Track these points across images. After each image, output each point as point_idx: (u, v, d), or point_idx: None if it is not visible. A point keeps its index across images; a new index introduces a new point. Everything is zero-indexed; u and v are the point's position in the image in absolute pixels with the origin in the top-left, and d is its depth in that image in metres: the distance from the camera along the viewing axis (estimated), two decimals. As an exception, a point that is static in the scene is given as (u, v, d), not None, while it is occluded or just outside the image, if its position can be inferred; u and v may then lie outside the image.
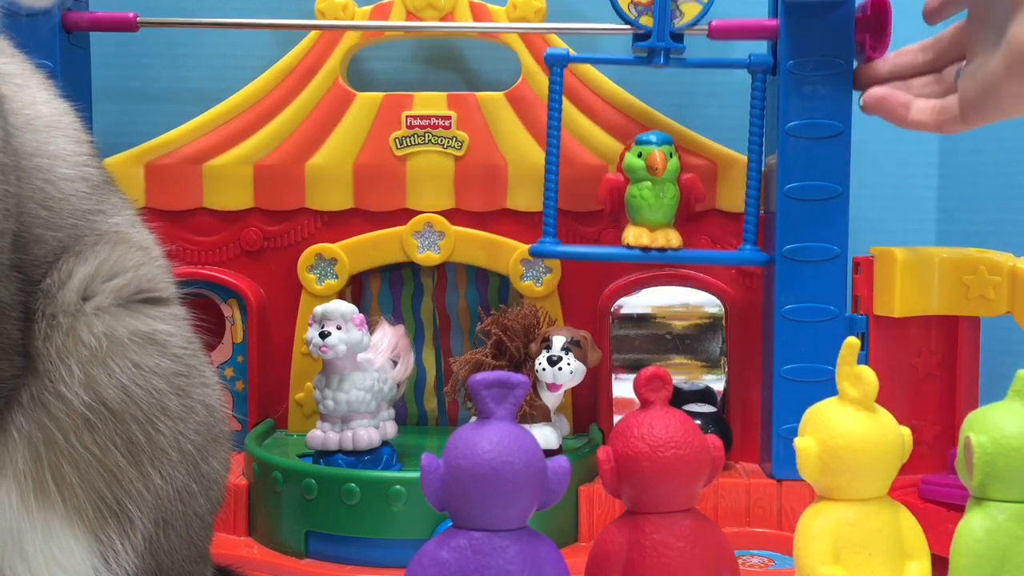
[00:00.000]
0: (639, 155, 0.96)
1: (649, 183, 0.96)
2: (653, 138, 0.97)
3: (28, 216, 0.65)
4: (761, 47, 0.99)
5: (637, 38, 0.97)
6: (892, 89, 0.89)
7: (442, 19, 1.04)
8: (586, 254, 1.00)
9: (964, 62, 0.86)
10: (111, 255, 0.67)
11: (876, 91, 0.90)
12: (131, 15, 0.99)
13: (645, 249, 0.96)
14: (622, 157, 0.98)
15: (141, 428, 0.64)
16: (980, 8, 0.83)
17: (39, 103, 0.69)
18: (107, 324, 0.65)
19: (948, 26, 0.88)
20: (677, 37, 0.96)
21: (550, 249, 0.98)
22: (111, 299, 0.66)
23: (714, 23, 0.96)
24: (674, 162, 0.97)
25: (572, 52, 0.99)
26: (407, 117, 1.04)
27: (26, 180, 0.65)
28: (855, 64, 0.94)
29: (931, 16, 0.88)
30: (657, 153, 0.95)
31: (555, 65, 0.98)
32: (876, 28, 0.93)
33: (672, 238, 0.97)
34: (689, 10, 0.96)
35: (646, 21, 0.96)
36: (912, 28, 0.92)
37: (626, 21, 0.96)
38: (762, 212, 1.01)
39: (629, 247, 0.97)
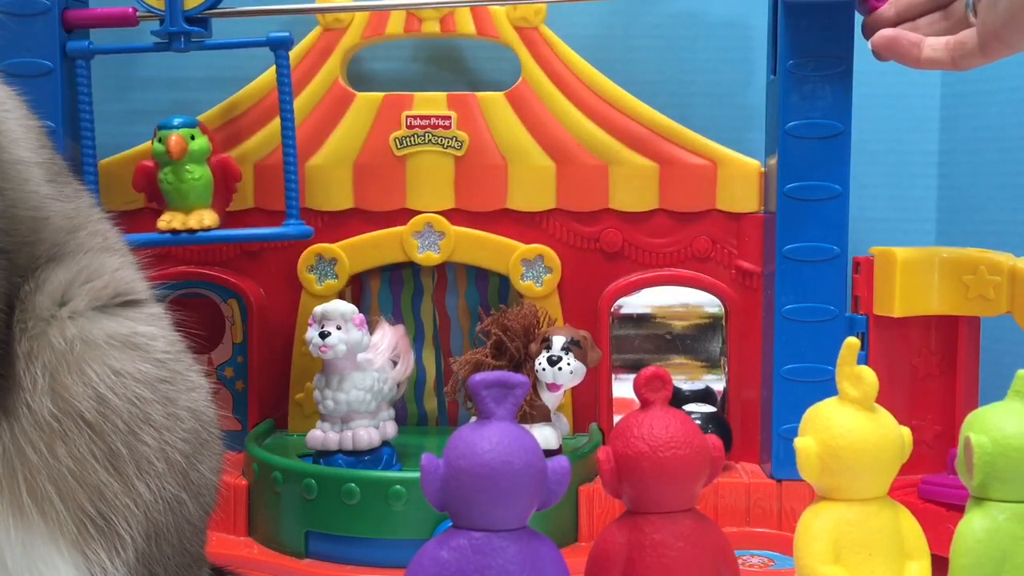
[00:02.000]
0: (160, 140, 0.97)
1: (173, 167, 0.97)
2: (174, 121, 0.98)
3: (4, 195, 0.62)
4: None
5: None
6: (901, 30, 0.88)
7: (441, 17, 1.04)
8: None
9: None
10: (91, 262, 0.66)
11: (885, 33, 0.88)
12: (131, 10, 0.99)
13: (174, 232, 0.97)
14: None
15: (123, 439, 0.62)
16: None
17: None
18: (80, 327, 0.63)
19: None
20: (198, 21, 0.97)
21: None
22: (86, 302, 0.64)
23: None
24: (199, 143, 0.97)
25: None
26: (407, 117, 1.04)
27: None
28: (859, 13, 0.92)
29: None
30: (173, 136, 0.96)
31: (77, 57, 0.98)
32: None
33: (205, 218, 0.97)
34: None
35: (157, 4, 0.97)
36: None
37: (146, 9, 0.97)
38: (762, 212, 1.01)
39: (161, 231, 0.97)
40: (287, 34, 0.98)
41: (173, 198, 0.98)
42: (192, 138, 0.97)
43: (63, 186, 0.69)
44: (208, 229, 0.97)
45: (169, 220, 0.97)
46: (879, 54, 0.89)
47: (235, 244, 1.05)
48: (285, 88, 0.98)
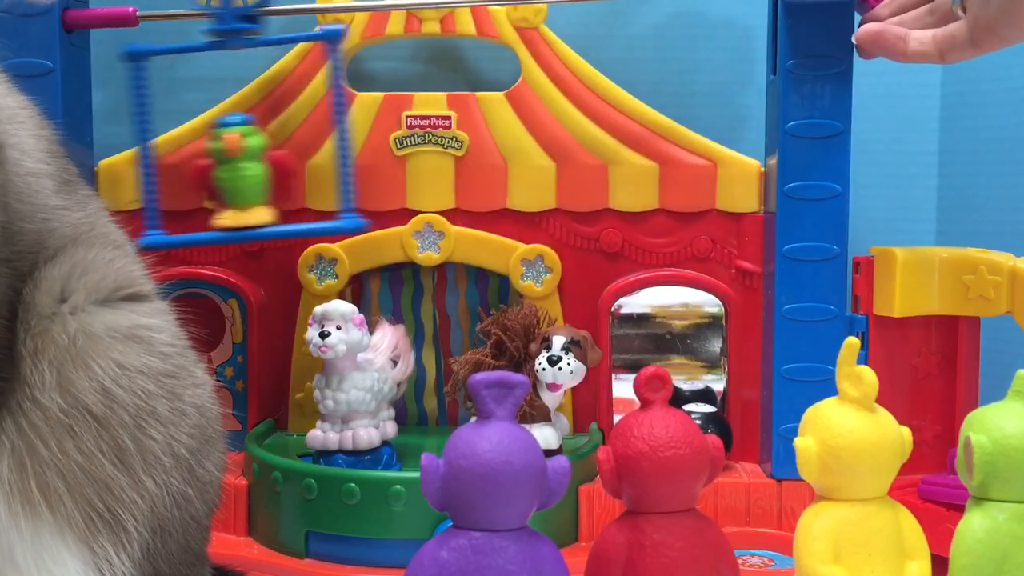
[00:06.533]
0: (216, 138, 0.97)
1: (230, 164, 0.97)
2: (229, 119, 0.98)
3: (8, 209, 0.63)
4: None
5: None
6: (886, 24, 0.87)
7: (441, 17, 1.04)
8: (187, 241, 1.00)
9: None
10: (86, 255, 0.66)
11: (870, 27, 0.88)
12: (131, 10, 0.99)
13: (233, 229, 0.97)
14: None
15: (130, 434, 0.62)
16: None
17: None
18: (82, 321, 0.63)
19: None
20: (251, 18, 0.97)
21: (157, 240, 0.98)
22: (85, 296, 0.64)
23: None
24: (255, 140, 0.97)
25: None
26: (407, 117, 1.04)
27: (1, 172, 0.63)
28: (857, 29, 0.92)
29: None
30: (230, 135, 0.96)
31: (135, 60, 0.98)
32: None
33: (263, 215, 0.97)
34: None
35: (216, 3, 0.96)
36: None
37: (198, 8, 0.97)
38: (762, 212, 1.01)
39: (220, 230, 0.97)
40: (341, 26, 0.98)
41: (230, 196, 0.97)
42: (247, 135, 0.97)
43: (72, 194, 0.70)
44: (265, 226, 0.97)
45: (225, 218, 0.97)
46: (865, 50, 0.89)
47: (235, 244, 1.05)
48: (338, 81, 0.98)
